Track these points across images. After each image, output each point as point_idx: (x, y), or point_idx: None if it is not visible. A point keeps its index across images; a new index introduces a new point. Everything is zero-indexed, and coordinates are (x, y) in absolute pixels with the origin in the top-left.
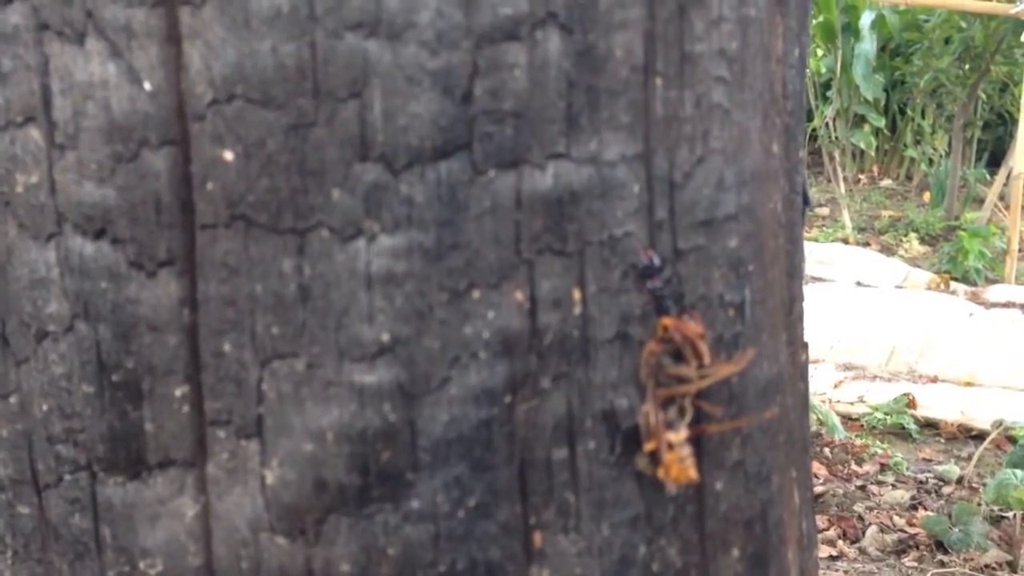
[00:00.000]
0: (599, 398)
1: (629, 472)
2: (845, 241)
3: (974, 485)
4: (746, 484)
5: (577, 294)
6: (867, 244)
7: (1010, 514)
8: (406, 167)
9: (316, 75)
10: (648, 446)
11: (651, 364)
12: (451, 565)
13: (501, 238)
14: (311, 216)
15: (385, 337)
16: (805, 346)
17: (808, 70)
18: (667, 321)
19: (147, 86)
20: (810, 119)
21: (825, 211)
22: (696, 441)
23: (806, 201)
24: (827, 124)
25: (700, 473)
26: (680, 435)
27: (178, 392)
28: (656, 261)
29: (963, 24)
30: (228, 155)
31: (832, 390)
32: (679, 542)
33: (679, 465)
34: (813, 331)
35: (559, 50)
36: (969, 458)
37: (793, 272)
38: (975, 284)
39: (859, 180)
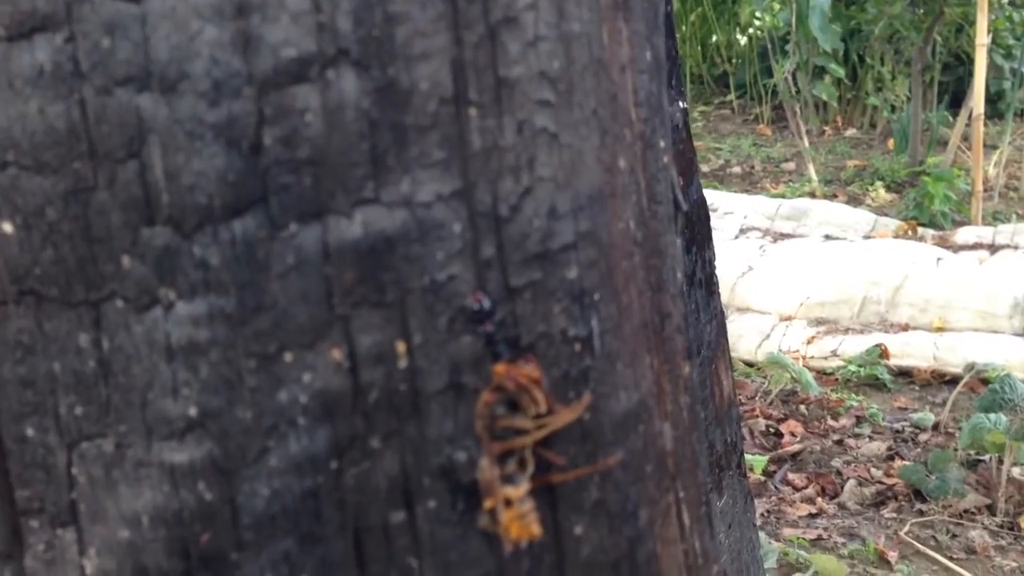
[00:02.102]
0: (435, 454)
1: (475, 529)
2: (812, 194)
3: (950, 430)
4: (609, 524)
5: (401, 346)
6: (834, 196)
7: (986, 457)
8: (197, 228)
9: (90, 135)
10: (487, 503)
11: (485, 416)
12: None
13: (310, 295)
14: (103, 286)
15: (192, 411)
16: (689, 358)
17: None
18: (499, 368)
19: None
20: (771, 75)
21: (791, 166)
22: (548, 485)
23: (677, 206)
24: (787, 78)
25: (551, 518)
26: (519, 490)
27: None
28: (486, 304)
29: None
30: (7, 227)
31: (805, 346)
32: None
33: (519, 522)
34: (784, 289)
35: (356, 88)
36: (944, 404)
37: (662, 286)
38: (942, 228)
39: (823, 132)
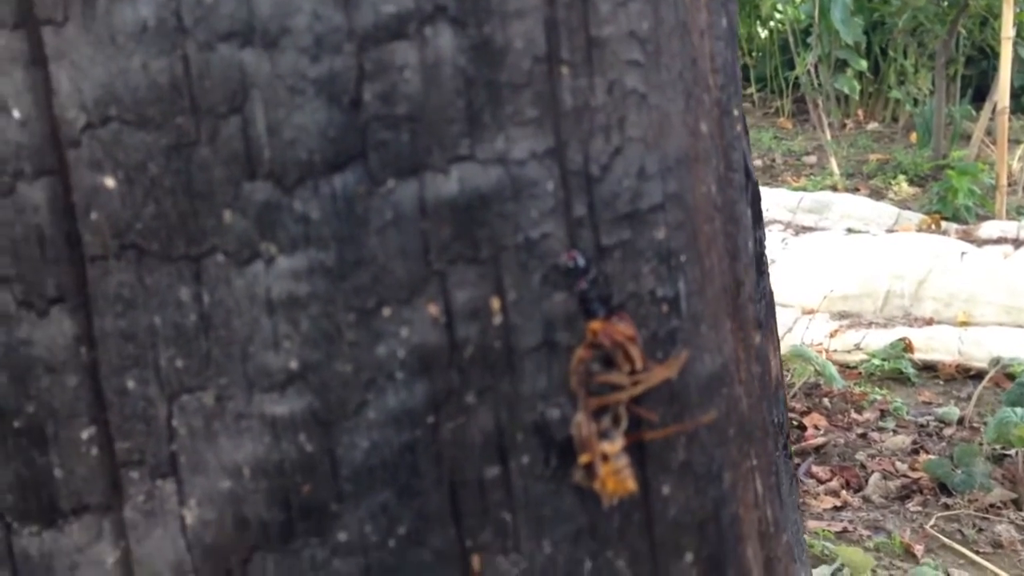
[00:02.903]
0: (529, 410)
1: (567, 485)
2: (834, 188)
3: (975, 425)
4: (695, 485)
5: (496, 303)
6: (856, 189)
7: (1012, 452)
8: (298, 183)
9: (192, 91)
10: (583, 459)
11: (580, 372)
12: None
13: (408, 250)
14: (204, 241)
15: (293, 364)
16: (759, 327)
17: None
18: (595, 325)
19: (16, 114)
20: (792, 67)
21: (813, 159)
22: (638, 444)
23: (748, 176)
24: (809, 71)
25: (640, 477)
26: (615, 445)
27: (84, 434)
28: (580, 262)
29: None
30: (109, 182)
31: (828, 339)
32: (627, 553)
33: (615, 477)
34: (806, 282)
35: (452, 46)
36: (968, 398)
37: (737, 254)
38: (966, 222)
39: (845, 125)
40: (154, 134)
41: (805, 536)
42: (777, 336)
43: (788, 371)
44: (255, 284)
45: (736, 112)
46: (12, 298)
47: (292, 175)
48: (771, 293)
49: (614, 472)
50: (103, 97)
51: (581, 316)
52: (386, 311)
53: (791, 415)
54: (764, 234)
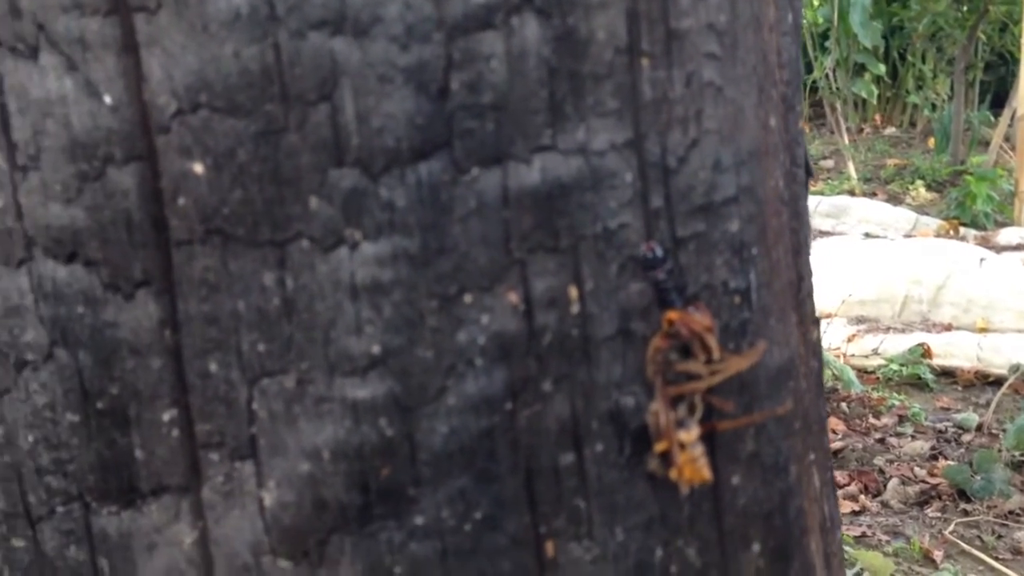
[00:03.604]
0: (604, 398)
1: (640, 473)
2: (851, 192)
3: (994, 432)
4: (763, 476)
5: (574, 291)
6: (874, 194)
7: None
8: (384, 170)
9: (283, 78)
10: (659, 447)
11: (658, 361)
12: None
13: (490, 238)
14: (289, 227)
15: (375, 349)
16: (816, 323)
17: (805, 21)
18: (673, 315)
19: (107, 99)
20: (810, 71)
21: (830, 163)
22: (708, 435)
23: (808, 172)
24: (827, 75)
25: (713, 471)
26: (691, 434)
27: (166, 416)
28: (658, 252)
29: None
30: (198, 167)
31: (846, 344)
32: (697, 542)
33: (692, 465)
34: (824, 286)
35: (537, 36)
36: (987, 405)
37: (799, 249)
38: (984, 228)
39: (862, 130)
40: (243, 121)
41: None
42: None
43: None
44: (339, 269)
45: (799, 108)
46: (99, 281)
47: (379, 162)
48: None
49: (690, 460)
50: (193, 84)
51: (657, 306)
52: (467, 298)
53: None
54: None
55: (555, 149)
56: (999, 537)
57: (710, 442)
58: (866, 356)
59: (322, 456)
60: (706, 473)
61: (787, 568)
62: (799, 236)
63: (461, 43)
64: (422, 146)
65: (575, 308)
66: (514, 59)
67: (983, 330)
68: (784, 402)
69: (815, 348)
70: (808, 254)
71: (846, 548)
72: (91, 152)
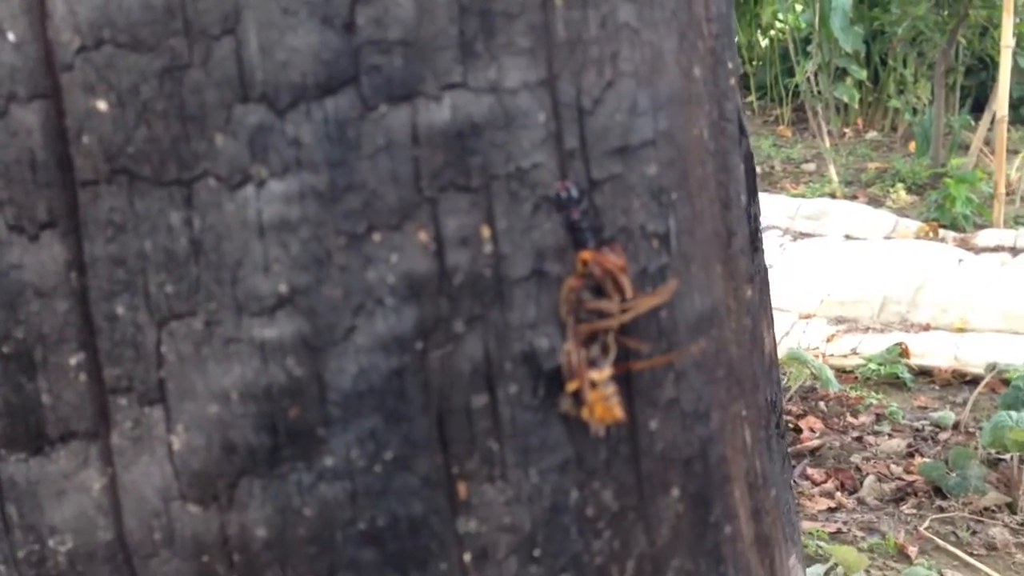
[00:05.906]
0: (518, 339)
1: (555, 416)
2: (832, 195)
3: (970, 430)
4: (683, 422)
5: (486, 231)
6: (855, 197)
7: (1007, 456)
8: (290, 106)
9: (185, 12)
10: (571, 386)
11: (571, 300)
12: (371, 522)
13: (399, 176)
14: (196, 165)
15: (283, 288)
16: (751, 281)
17: (787, 26)
18: (586, 255)
19: (10, 36)
20: (792, 76)
21: (812, 167)
22: (626, 379)
23: (742, 131)
24: (809, 79)
25: (627, 412)
26: (604, 373)
27: (73, 360)
28: (573, 192)
29: None
30: (102, 105)
31: (825, 344)
32: (614, 485)
33: (604, 404)
34: (804, 287)
35: None
36: (964, 403)
37: (728, 203)
38: (964, 230)
39: (844, 134)
40: (147, 56)
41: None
42: (772, 316)
43: (785, 374)
44: (246, 208)
45: (731, 65)
46: (3, 222)
47: (284, 98)
48: (765, 271)
49: (602, 399)
50: (97, 20)
51: (572, 247)
52: (376, 236)
53: (787, 418)
54: (758, 210)
55: (466, 87)
56: (974, 533)
57: (628, 388)
58: (845, 356)
59: (231, 398)
60: (618, 412)
61: (707, 514)
62: (728, 190)
63: None
64: (328, 81)
65: (487, 248)
66: None
67: (961, 330)
68: (703, 343)
69: (749, 306)
70: (740, 210)
71: (821, 544)
72: None
